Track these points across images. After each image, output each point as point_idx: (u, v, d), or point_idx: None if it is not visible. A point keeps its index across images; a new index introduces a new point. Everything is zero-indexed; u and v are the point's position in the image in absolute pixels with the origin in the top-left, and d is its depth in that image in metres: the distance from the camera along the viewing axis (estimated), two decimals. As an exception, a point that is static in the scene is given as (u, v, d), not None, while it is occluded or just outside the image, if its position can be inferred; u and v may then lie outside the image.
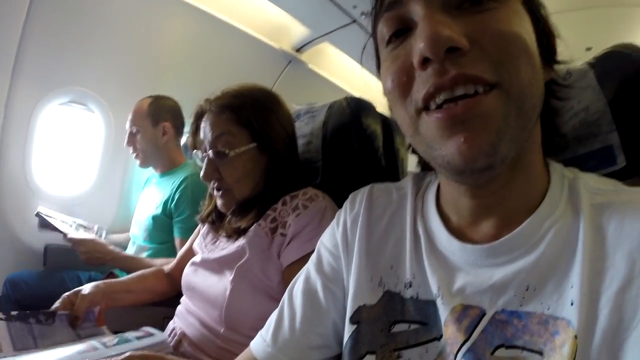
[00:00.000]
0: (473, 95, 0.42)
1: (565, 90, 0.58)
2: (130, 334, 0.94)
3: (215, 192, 1.06)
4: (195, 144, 1.12)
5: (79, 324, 1.04)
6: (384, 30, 0.50)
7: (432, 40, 0.41)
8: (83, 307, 1.04)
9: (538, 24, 0.48)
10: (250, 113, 1.02)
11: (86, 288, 1.11)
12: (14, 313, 0.97)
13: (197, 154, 1.08)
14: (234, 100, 1.04)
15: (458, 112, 0.42)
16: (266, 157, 1.05)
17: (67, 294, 1.08)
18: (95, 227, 1.97)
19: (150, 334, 0.96)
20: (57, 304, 1.07)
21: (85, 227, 1.88)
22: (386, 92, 0.51)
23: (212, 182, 1.06)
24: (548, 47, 0.51)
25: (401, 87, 0.47)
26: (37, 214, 1.75)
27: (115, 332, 1.02)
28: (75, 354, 0.80)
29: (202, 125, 1.06)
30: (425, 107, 0.45)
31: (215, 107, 1.04)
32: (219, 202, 1.07)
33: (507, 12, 0.44)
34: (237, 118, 1.02)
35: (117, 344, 0.88)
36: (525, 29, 0.45)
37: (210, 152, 1.02)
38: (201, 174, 1.04)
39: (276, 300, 0.73)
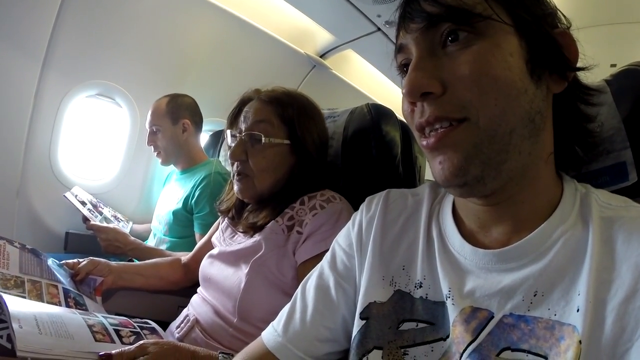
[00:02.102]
0: (448, 126, 0.50)
1: (597, 95, 0.61)
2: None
3: (235, 177, 1.08)
4: (232, 125, 1.14)
5: (77, 283, 1.09)
6: (400, 63, 0.59)
7: (409, 88, 0.51)
8: (87, 268, 1.11)
9: (537, 43, 0.51)
10: (294, 113, 1.07)
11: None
12: (28, 246, 1.05)
13: (230, 133, 1.10)
14: (284, 97, 1.09)
15: (432, 143, 0.51)
16: (295, 159, 1.08)
17: (79, 259, 1.15)
18: (121, 224, 2.02)
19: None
20: (67, 261, 1.14)
21: (108, 220, 1.93)
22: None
23: (235, 165, 1.07)
24: (559, 59, 0.53)
25: (408, 115, 0.56)
26: (64, 196, 1.81)
27: (127, 316, 1.05)
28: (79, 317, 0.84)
29: (245, 109, 1.09)
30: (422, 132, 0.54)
31: (265, 97, 1.09)
32: (236, 187, 1.09)
33: (484, 48, 0.49)
34: (282, 113, 1.06)
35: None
36: (504, 61, 0.48)
37: (244, 134, 1.05)
38: (229, 152, 1.05)
39: (288, 295, 0.75)
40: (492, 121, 0.48)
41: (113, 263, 1.22)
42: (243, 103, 1.13)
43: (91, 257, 1.18)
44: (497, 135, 0.48)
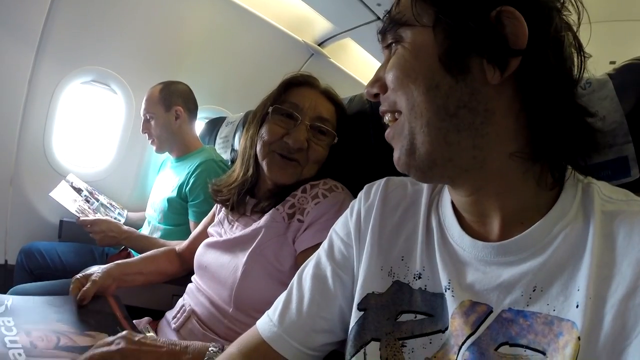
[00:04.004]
0: (391, 121, 0.58)
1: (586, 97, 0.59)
2: None
3: (280, 160, 1.04)
4: (277, 102, 1.09)
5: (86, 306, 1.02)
6: None
7: (366, 91, 0.61)
8: (92, 292, 1.03)
9: (454, 37, 0.50)
10: (344, 119, 1.13)
11: (98, 272, 1.10)
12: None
13: (284, 112, 1.06)
14: (339, 100, 1.14)
15: (387, 136, 0.59)
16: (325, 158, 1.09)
17: (78, 276, 1.08)
18: (117, 212, 2.02)
19: None
20: (71, 286, 1.06)
21: (104, 206, 1.92)
22: None
23: (277, 146, 1.04)
24: (494, 45, 0.49)
25: None
26: (50, 196, 1.77)
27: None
28: None
29: (303, 92, 1.09)
30: None
31: (328, 95, 1.12)
32: (278, 171, 1.04)
33: (397, 53, 0.55)
34: (338, 116, 1.12)
35: None
36: (411, 61, 0.53)
37: (310, 124, 1.05)
38: (295, 136, 1.02)
39: (287, 285, 0.74)
40: (410, 115, 0.53)
41: (113, 269, 1.14)
42: (298, 83, 1.12)
43: (92, 278, 1.07)
44: (416, 127, 0.53)
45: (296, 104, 1.06)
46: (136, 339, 0.76)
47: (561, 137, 0.51)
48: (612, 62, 0.73)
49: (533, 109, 0.50)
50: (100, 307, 1.03)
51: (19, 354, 0.74)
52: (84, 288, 1.02)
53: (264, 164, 1.06)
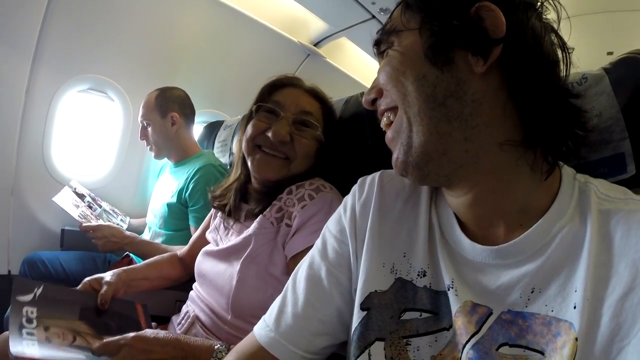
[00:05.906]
0: (388, 123, 0.60)
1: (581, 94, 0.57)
2: None
3: (267, 153, 1.03)
4: (263, 101, 1.09)
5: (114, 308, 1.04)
6: None
7: (364, 100, 0.65)
8: (109, 294, 1.04)
9: (437, 33, 0.54)
10: (331, 116, 1.13)
11: (107, 275, 1.11)
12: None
13: (267, 107, 1.07)
14: (325, 98, 1.14)
15: (387, 138, 0.61)
16: (315, 157, 1.08)
17: (88, 279, 1.08)
18: (119, 218, 2.02)
19: None
20: (79, 287, 1.07)
21: (107, 212, 1.92)
22: None
23: (261, 140, 1.03)
24: (475, 38, 0.52)
25: None
26: (53, 201, 1.79)
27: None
28: None
29: (287, 92, 1.09)
30: None
31: (310, 90, 1.12)
32: (264, 166, 1.04)
33: (388, 54, 0.60)
34: (324, 113, 1.11)
35: None
36: (400, 57, 0.57)
37: (293, 118, 1.04)
38: (275, 129, 1.01)
39: (282, 290, 0.72)
40: (404, 104, 0.55)
41: (121, 273, 1.16)
42: (282, 85, 1.12)
43: (106, 280, 1.09)
44: (411, 116, 0.55)
45: (279, 102, 1.06)
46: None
47: (547, 118, 0.52)
48: (610, 53, 0.72)
49: (518, 95, 0.52)
50: (129, 313, 1.06)
51: (32, 344, 0.79)
52: (102, 292, 1.03)
53: (249, 162, 1.06)
